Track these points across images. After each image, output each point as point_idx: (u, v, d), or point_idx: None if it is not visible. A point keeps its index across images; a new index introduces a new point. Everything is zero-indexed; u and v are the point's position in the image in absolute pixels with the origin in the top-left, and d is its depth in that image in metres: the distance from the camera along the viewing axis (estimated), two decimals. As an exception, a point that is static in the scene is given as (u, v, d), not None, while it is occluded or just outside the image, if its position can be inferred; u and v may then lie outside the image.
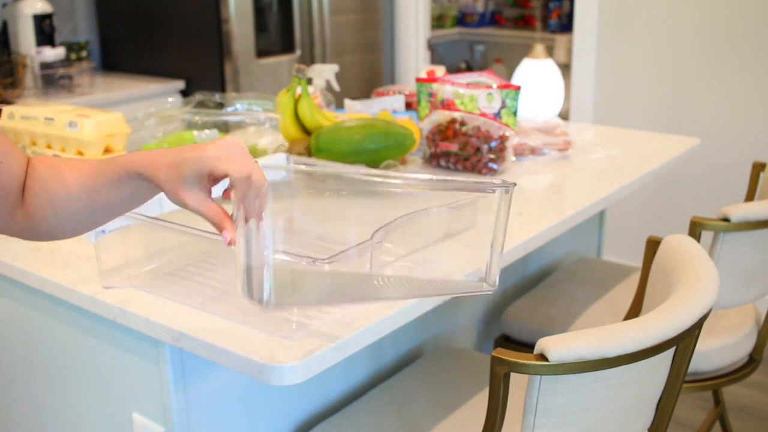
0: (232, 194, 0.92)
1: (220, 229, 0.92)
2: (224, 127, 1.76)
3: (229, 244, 0.92)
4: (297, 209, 1.55)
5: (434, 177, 1.26)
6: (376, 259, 1.17)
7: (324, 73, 2.11)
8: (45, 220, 0.97)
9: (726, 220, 1.55)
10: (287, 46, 3.43)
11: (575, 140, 2.06)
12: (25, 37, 3.18)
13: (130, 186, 0.94)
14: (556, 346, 1.01)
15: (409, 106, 2.09)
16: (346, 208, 1.61)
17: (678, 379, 1.21)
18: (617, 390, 1.09)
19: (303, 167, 1.56)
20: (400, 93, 2.11)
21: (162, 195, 0.95)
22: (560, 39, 4.52)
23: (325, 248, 1.43)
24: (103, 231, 1.21)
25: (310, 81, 2.04)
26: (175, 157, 0.90)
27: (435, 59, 4.58)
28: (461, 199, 1.29)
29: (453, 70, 4.62)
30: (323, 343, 1.08)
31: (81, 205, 0.95)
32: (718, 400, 2.14)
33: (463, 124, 1.85)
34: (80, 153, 1.52)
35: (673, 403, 1.24)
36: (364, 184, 1.31)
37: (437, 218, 1.28)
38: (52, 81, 3.15)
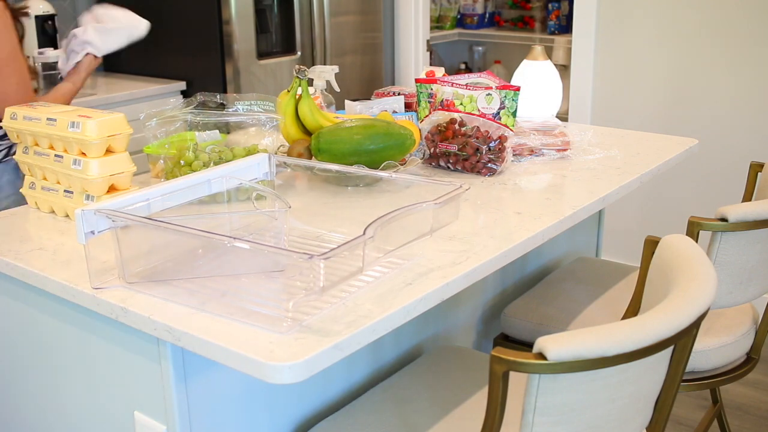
0: None
1: None
2: (225, 128, 1.77)
3: None
4: (296, 209, 1.56)
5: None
6: (369, 254, 1.18)
7: (324, 74, 2.12)
8: None
9: (723, 220, 1.56)
10: (288, 48, 3.44)
11: (574, 141, 2.07)
12: (27, 39, 3.17)
13: None
14: (555, 345, 1.02)
15: (408, 106, 2.09)
16: (344, 207, 1.63)
17: (676, 378, 1.22)
18: (615, 389, 1.10)
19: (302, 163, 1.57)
20: (399, 94, 2.12)
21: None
22: (559, 40, 4.53)
23: (324, 248, 1.43)
24: (92, 232, 1.21)
25: (310, 82, 2.04)
26: None
27: (434, 60, 4.59)
28: (446, 195, 1.31)
29: (452, 71, 4.64)
30: (323, 341, 1.08)
31: None
32: (715, 399, 2.15)
33: (462, 124, 1.86)
34: (82, 154, 1.53)
35: (671, 401, 1.25)
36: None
37: (423, 213, 1.29)
38: (55, 82, 3.14)
